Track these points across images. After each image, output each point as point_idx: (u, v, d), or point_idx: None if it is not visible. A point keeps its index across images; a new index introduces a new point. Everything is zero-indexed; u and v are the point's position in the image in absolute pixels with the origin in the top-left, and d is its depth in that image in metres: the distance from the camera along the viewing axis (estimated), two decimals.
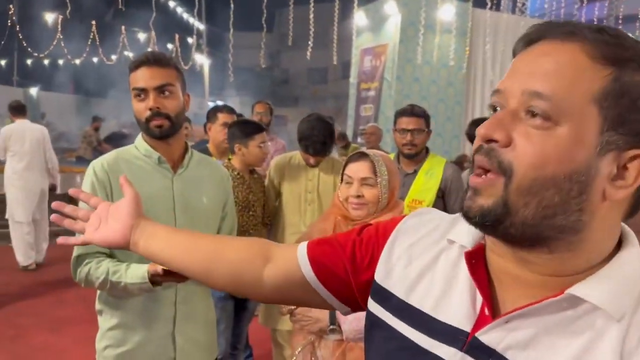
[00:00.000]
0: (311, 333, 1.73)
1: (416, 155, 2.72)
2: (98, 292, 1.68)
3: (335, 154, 4.55)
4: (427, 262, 0.74)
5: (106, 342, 1.67)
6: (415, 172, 2.71)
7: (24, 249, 5.50)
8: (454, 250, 0.72)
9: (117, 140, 13.45)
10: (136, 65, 1.61)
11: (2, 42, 14.84)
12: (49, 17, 13.93)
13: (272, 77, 26.59)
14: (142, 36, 15.53)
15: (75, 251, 1.60)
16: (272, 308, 2.76)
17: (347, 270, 0.81)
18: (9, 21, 14.48)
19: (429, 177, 2.67)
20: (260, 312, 2.86)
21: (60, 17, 13.43)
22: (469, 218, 0.63)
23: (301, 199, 2.74)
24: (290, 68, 26.73)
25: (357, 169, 1.71)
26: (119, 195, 1.59)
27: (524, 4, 11.46)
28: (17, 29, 14.65)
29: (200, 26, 16.96)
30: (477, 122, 2.82)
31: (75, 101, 20.43)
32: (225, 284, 0.90)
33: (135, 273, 1.51)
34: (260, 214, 2.79)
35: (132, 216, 0.97)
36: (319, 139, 2.66)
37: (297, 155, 2.87)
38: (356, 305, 0.84)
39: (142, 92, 1.60)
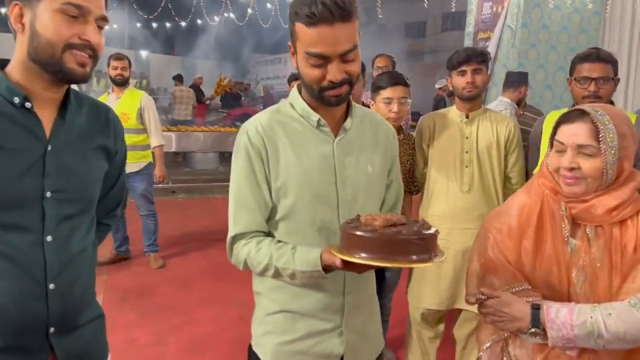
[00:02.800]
0: (503, 330, 1.44)
1: None
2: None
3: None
4: None
5: (266, 327, 1.47)
6: None
7: None
8: None
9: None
10: (312, 19, 1.22)
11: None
12: None
13: (368, 31, 25.78)
14: None
15: (232, 230, 1.40)
16: (424, 285, 2.50)
17: None
18: None
19: None
20: (411, 288, 2.60)
21: None
22: None
23: (456, 161, 2.41)
24: (387, 23, 25.77)
25: (572, 133, 1.33)
26: (275, 163, 1.35)
27: None
28: None
29: None
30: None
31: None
32: None
33: (305, 259, 1.28)
34: (404, 180, 2.50)
35: None
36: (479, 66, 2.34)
37: (446, 111, 2.53)
38: None
39: (320, 58, 1.26)
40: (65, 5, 1.13)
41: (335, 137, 1.40)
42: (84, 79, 1.20)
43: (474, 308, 2.43)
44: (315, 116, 1.38)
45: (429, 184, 2.50)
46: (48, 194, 1.18)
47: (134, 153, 4.37)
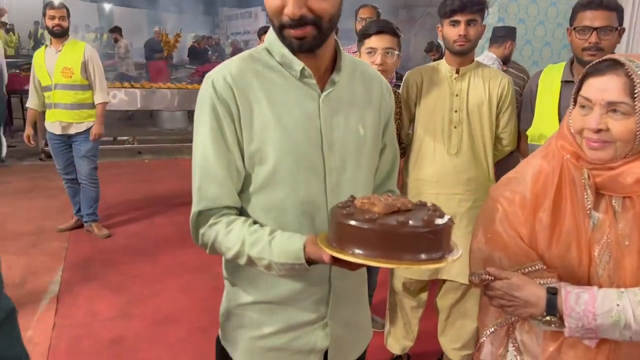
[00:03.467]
0: (513, 315, 1.26)
1: None
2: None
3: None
4: None
5: (237, 320, 1.26)
6: None
7: None
8: None
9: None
10: None
11: None
12: None
13: None
14: None
15: (196, 205, 1.14)
16: None
17: None
18: None
19: None
20: None
21: None
22: None
23: (445, 121, 2.19)
24: None
25: (602, 87, 1.11)
26: (249, 122, 1.08)
27: None
28: None
29: None
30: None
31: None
32: None
33: (284, 248, 1.06)
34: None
35: None
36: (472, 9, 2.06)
37: (436, 65, 2.29)
38: None
39: None
40: None
41: (322, 92, 1.16)
42: None
43: (458, 278, 2.33)
44: (298, 64, 1.12)
45: (415, 145, 2.29)
46: None
47: (80, 112, 4.02)
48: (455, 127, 2.18)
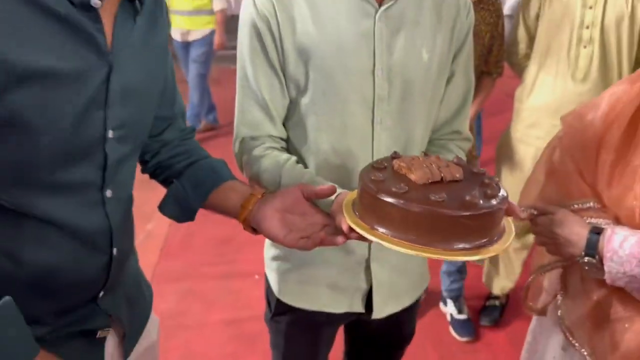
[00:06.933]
0: (553, 254, 1.10)
1: None
2: None
3: None
4: None
5: (275, 251, 1.21)
6: None
7: None
8: None
9: None
10: None
11: None
12: None
13: None
14: None
15: (239, 129, 1.09)
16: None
17: None
18: None
19: None
20: None
21: None
22: None
23: (572, 39, 1.82)
24: None
25: None
26: (291, 39, 1.00)
27: None
28: None
29: None
30: None
31: None
32: None
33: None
34: (481, 58, 1.96)
35: None
36: None
37: None
38: None
39: None
40: None
41: (380, 5, 0.99)
42: None
43: None
44: None
45: (531, 67, 1.97)
46: (110, 134, 0.81)
47: (199, 18, 4.02)
48: (584, 47, 1.82)
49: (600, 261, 0.97)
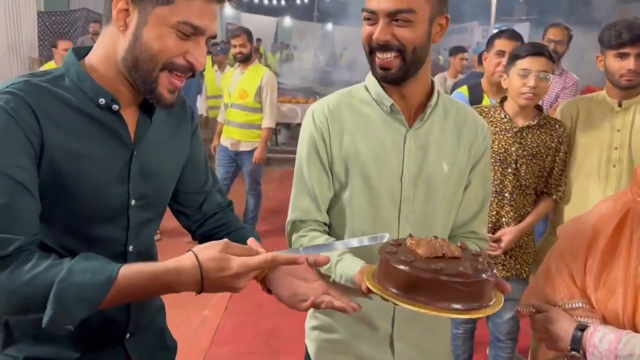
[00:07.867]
0: (550, 349, 1.24)
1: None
2: None
3: None
4: None
5: (314, 322, 1.42)
6: None
7: None
8: None
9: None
10: None
11: None
12: None
13: None
14: None
15: (290, 213, 1.34)
16: None
17: None
18: None
19: None
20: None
21: None
22: None
23: (602, 159, 1.98)
24: None
25: None
26: (338, 147, 1.24)
27: None
28: None
29: None
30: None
31: None
32: None
33: (344, 273, 1.18)
34: (542, 179, 2.08)
35: None
36: None
37: (594, 96, 2.07)
38: None
39: (372, 15, 1.20)
40: (182, 24, 0.96)
41: (410, 127, 1.26)
42: (169, 107, 1.06)
43: None
44: (388, 101, 1.26)
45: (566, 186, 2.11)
46: (133, 202, 1.08)
47: (249, 132, 4.35)
48: (614, 166, 1.97)
49: (584, 355, 1.10)
